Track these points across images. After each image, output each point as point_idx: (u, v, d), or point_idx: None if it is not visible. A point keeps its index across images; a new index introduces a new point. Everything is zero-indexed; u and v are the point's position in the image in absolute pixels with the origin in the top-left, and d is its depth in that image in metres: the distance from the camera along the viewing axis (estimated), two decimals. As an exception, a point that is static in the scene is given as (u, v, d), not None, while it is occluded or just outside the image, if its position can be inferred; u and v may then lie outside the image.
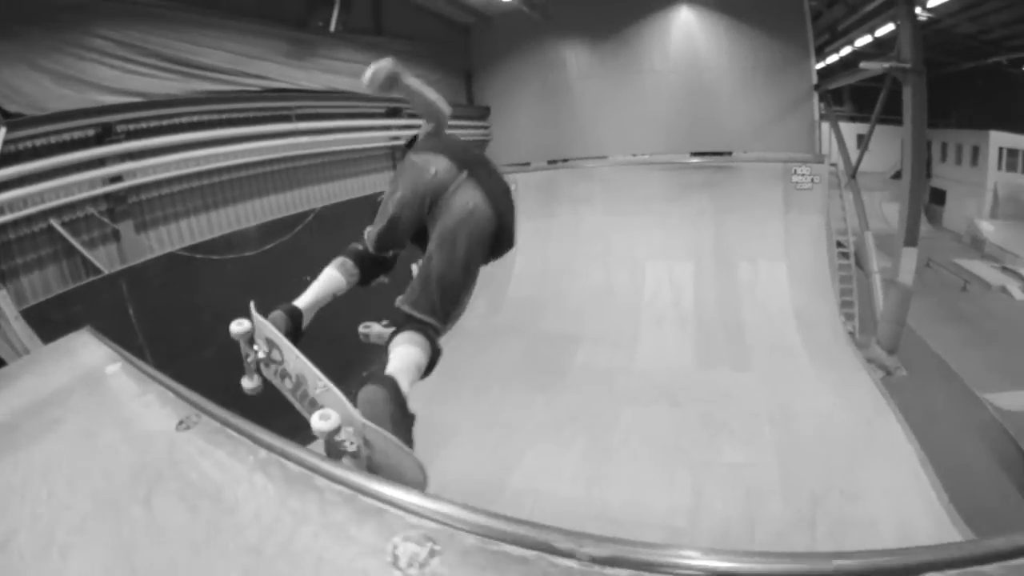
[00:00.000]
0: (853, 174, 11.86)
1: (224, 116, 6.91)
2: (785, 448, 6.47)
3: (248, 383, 2.04)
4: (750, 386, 7.73)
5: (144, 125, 6.02)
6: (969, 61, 19.84)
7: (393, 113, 9.43)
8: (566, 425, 6.78)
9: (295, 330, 2.09)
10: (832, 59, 16.05)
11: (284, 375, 1.96)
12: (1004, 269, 20.84)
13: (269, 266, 6.66)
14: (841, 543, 5.36)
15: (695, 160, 10.65)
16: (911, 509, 5.79)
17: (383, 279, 2.56)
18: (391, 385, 1.82)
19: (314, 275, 2.31)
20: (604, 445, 6.52)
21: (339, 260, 2.38)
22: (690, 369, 8.14)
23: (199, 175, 6.65)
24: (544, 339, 8.56)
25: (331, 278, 2.32)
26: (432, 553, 1.05)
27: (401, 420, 1.80)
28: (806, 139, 11.23)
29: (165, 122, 6.23)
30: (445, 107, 2.45)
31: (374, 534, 1.11)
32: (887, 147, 18.49)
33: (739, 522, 5.53)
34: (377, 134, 9.34)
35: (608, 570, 0.98)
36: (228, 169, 7.03)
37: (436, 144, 2.35)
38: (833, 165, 11.53)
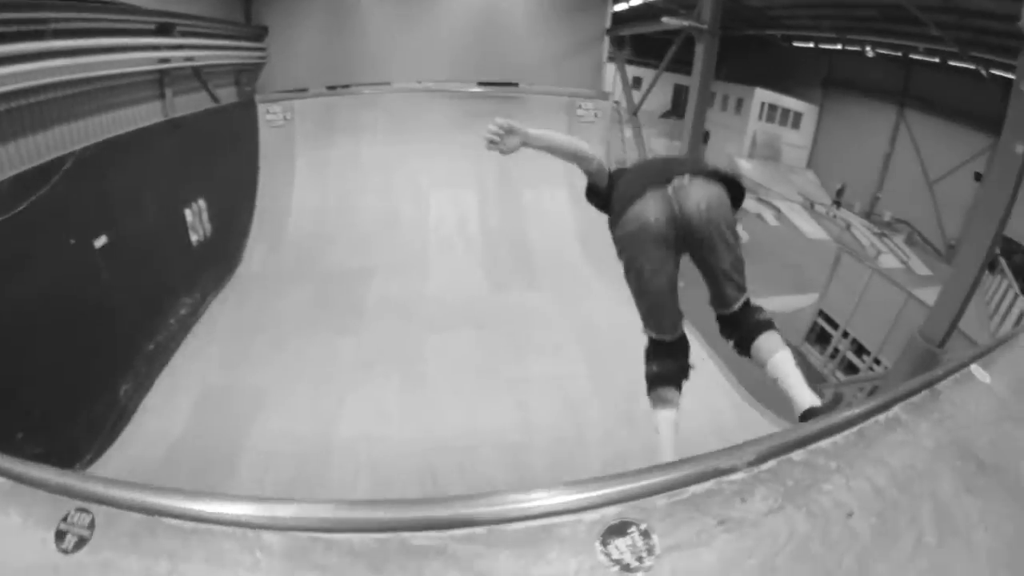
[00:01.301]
0: (635, 112, 12.57)
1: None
2: (592, 356, 7.10)
3: None
4: (546, 304, 8.20)
5: None
6: (750, 29, 24.13)
7: (164, 30, 7.51)
8: (376, 363, 6.55)
9: None
10: (621, 6, 16.74)
11: None
12: (759, 200, 24.81)
13: (28, 232, 5.03)
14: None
15: (482, 90, 10.35)
16: (717, 400, 6.74)
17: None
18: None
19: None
20: (420, 377, 6.46)
21: (655, 400, 2.42)
22: (484, 293, 8.25)
23: None
24: (333, 277, 8.04)
25: (671, 423, 2.37)
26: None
27: None
28: (592, 77, 11.73)
29: None
30: (582, 144, 2.41)
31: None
32: (658, 90, 20.18)
33: (568, 427, 6.09)
34: (145, 55, 7.36)
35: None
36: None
37: (625, 188, 2.26)
38: (616, 102, 12.07)
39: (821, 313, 14.02)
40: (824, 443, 1.37)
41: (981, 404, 1.75)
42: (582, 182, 8.53)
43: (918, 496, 1.31)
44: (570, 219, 10.11)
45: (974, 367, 1.92)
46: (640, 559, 1.06)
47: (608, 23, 11.72)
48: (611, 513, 1.11)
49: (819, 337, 14.17)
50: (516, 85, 10.75)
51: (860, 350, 12.94)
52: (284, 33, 10.10)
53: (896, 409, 1.55)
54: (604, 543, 1.08)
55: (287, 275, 8.01)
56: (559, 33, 11.21)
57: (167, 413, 5.54)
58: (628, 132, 13.02)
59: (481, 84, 10.50)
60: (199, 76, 7.65)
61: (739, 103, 28.06)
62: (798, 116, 29.26)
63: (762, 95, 27.62)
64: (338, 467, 5.19)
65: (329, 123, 9.62)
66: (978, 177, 23.50)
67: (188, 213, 7.14)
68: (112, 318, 5.63)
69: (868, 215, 27.49)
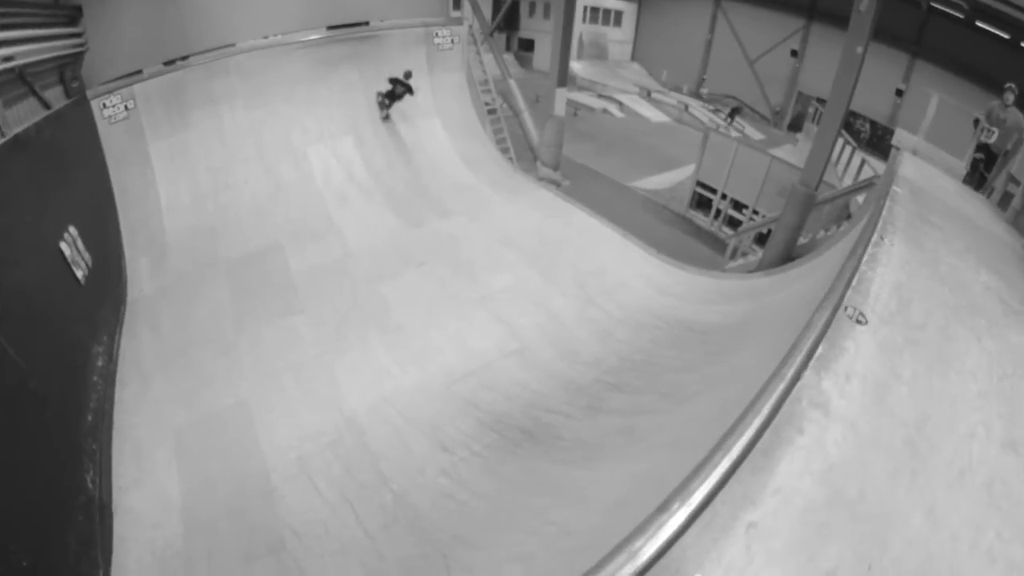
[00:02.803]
0: (491, 32, 12.43)
1: None
2: (531, 262, 7.44)
3: None
4: (464, 226, 8.19)
5: None
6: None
7: None
8: (344, 328, 6.04)
9: None
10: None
11: None
12: (600, 96, 26.15)
13: None
14: (614, 298, 6.87)
15: (334, 33, 9.66)
16: (640, 266, 7.59)
17: None
18: None
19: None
20: (396, 327, 6.11)
21: None
22: (404, 232, 7.94)
23: None
24: (240, 266, 7.13)
25: None
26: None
27: None
28: (440, 4, 11.31)
29: None
30: None
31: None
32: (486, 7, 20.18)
33: (547, 320, 6.41)
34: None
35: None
36: None
37: None
38: (470, 26, 11.88)
39: (699, 183, 15.65)
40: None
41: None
42: (455, 109, 9.75)
43: None
44: (449, 145, 10.19)
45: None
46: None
47: None
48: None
49: (700, 203, 15.88)
50: (367, 24, 10.13)
51: (737, 206, 14.83)
52: (101, 10, 8.33)
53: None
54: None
55: (188, 281, 6.92)
56: None
57: (150, 481, 4.40)
58: (486, 56, 12.94)
59: (331, 28, 9.73)
60: (24, 78, 6.18)
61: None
62: (619, 14, 31.24)
63: None
64: (378, 438, 4.73)
65: (179, 102, 8.30)
66: (794, 54, 27.26)
67: (64, 247, 5.78)
68: (34, 405, 4.19)
69: (698, 95, 30.01)
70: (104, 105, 7.81)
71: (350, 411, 4.95)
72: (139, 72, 8.23)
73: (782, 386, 2.20)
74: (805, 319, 2.86)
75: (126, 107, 7.97)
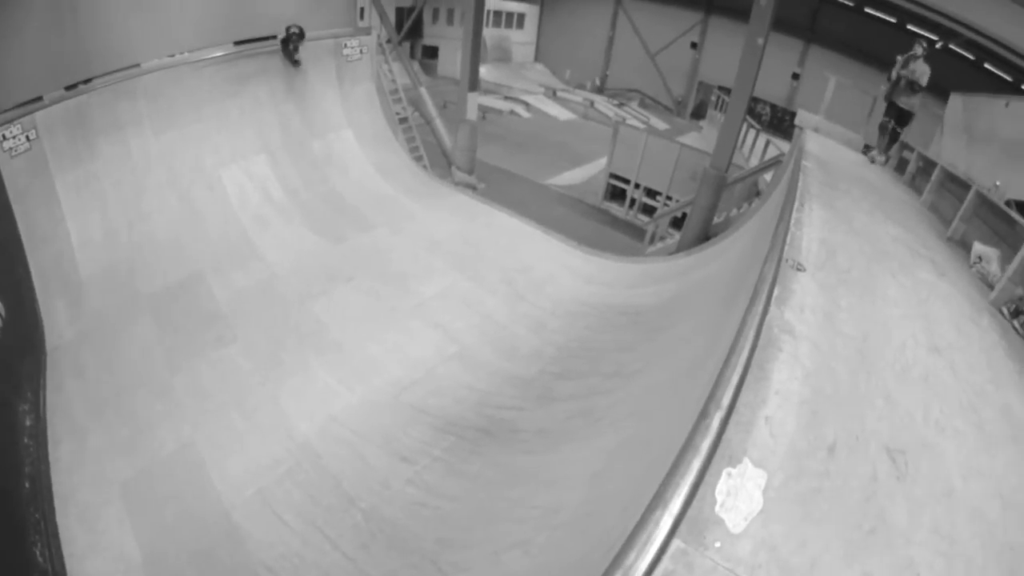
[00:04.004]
0: (400, 41, 12.46)
1: None
2: (458, 266, 7.66)
3: None
4: (387, 238, 8.28)
5: None
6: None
7: None
8: (280, 354, 5.88)
9: None
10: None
11: None
12: (507, 98, 26.61)
13: None
14: (544, 292, 7.28)
15: (241, 49, 9.35)
16: (565, 259, 8.07)
17: None
18: None
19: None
20: (333, 345, 6.05)
21: None
22: (327, 249, 7.88)
23: None
24: (163, 299, 6.75)
25: None
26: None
27: None
28: (348, 15, 11.28)
29: None
30: None
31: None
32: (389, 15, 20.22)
33: (480, 319, 6.66)
34: None
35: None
36: None
37: None
38: (378, 35, 11.87)
39: (612, 175, 16.32)
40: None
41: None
42: (366, 120, 9.77)
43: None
44: (363, 158, 10.13)
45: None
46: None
47: None
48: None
49: (614, 194, 16.56)
50: (275, 38, 9.87)
51: (651, 193, 15.62)
52: (-6, 35, 7.85)
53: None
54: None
55: (110, 322, 6.48)
56: None
57: (104, 544, 4.10)
58: (395, 64, 12.97)
59: (238, 43, 9.36)
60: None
61: (461, 13, 30.34)
62: (521, 16, 31.99)
63: (487, 3, 29.32)
64: (335, 458, 4.69)
65: (84, 129, 7.72)
66: (694, 46, 28.82)
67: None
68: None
69: (601, 90, 31.10)
70: (3, 137, 7.24)
71: (302, 436, 4.89)
72: (39, 99, 7.72)
73: (757, 318, 2.82)
74: (736, 286, 3.51)
75: (27, 137, 7.40)
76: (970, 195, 6.10)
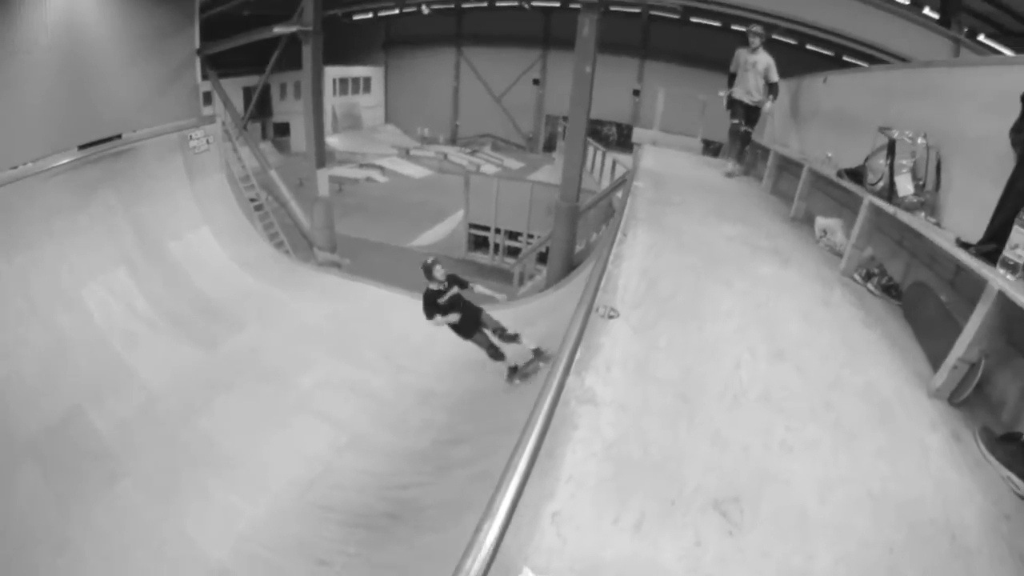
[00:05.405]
0: (245, 126, 12.48)
1: None
2: (335, 351, 7.78)
3: None
4: (260, 335, 8.27)
5: None
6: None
7: None
8: (175, 482, 5.72)
9: None
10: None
11: None
12: (361, 166, 27.01)
13: None
14: (424, 358, 7.57)
15: (86, 153, 8.86)
16: None
17: None
18: None
19: None
20: (223, 462, 5.98)
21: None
22: (201, 357, 7.66)
23: None
24: (45, 441, 6.13)
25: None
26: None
27: None
28: (191, 104, 11.12)
29: None
30: None
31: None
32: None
33: (361, 399, 6.85)
34: None
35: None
36: None
37: None
38: (223, 123, 11.82)
39: (471, 225, 17.06)
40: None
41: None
42: (222, 214, 10.13)
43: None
44: (224, 254, 9.94)
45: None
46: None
47: (198, 43, 11.13)
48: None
49: (477, 243, 17.32)
50: (119, 137, 9.49)
51: (512, 235, 16.42)
52: None
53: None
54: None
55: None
56: (151, 65, 10.27)
57: None
58: (243, 149, 12.89)
59: (83, 147, 8.90)
60: None
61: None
62: (367, 80, 32.45)
63: (332, 72, 29.49)
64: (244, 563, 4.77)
65: None
66: (536, 82, 30.64)
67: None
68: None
69: (454, 141, 32.31)
70: None
71: (216, 562, 4.87)
72: None
73: (551, 395, 2.45)
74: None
75: None
76: (804, 173, 6.31)
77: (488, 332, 5.97)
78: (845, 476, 2.36)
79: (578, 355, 2.87)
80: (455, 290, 5.85)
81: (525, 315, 7.75)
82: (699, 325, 3.46)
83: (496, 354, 6.05)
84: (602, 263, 4.05)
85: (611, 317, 3.33)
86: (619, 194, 11.15)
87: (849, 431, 2.64)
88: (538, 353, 5.92)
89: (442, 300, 5.75)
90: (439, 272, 5.76)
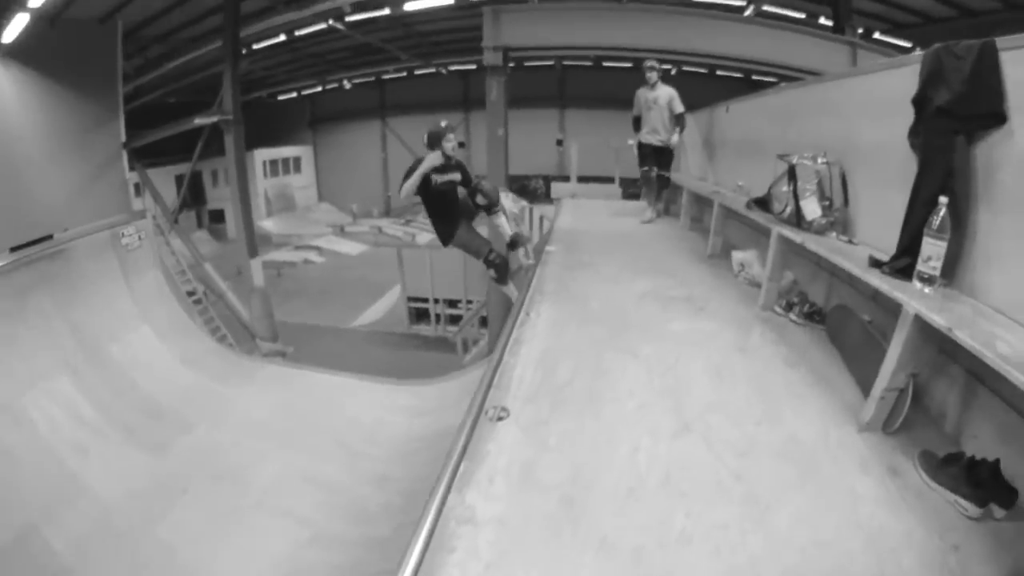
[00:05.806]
0: (176, 219, 12.55)
1: None
2: (287, 442, 7.72)
3: None
4: (210, 433, 8.15)
5: None
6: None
7: None
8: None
9: None
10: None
11: None
12: (298, 248, 27.08)
13: None
14: (377, 441, 7.57)
15: (20, 256, 8.66)
16: (387, 399, 8.54)
17: None
18: None
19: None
20: (188, 570, 5.90)
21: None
22: (153, 463, 7.54)
23: None
24: (2, 564, 5.94)
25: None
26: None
27: None
28: (121, 199, 11.15)
29: None
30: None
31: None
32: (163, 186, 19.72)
33: (328, 494, 6.79)
34: None
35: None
36: None
37: None
38: (154, 216, 11.83)
39: (410, 298, 17.24)
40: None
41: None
42: (161, 311, 10.11)
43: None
44: (167, 353, 9.80)
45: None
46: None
47: (123, 136, 11.22)
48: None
49: (419, 315, 17.46)
50: (51, 237, 9.30)
51: (452, 303, 16.69)
52: None
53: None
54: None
55: None
56: (78, 161, 10.25)
57: None
58: (176, 241, 12.89)
59: (14, 250, 8.71)
60: None
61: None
62: (297, 160, 32.74)
63: (262, 154, 29.76)
64: None
65: None
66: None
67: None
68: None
69: (388, 213, 32.77)
70: None
71: None
72: None
73: (430, 517, 2.32)
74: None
75: None
76: (715, 209, 6.21)
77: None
78: (756, 557, 2.14)
79: (461, 468, 2.68)
80: (457, 177, 4.97)
81: (469, 385, 7.53)
82: (596, 411, 3.20)
83: (496, 266, 5.32)
84: (499, 353, 3.84)
85: (500, 419, 3.07)
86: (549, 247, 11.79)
87: (762, 502, 2.42)
88: (514, 243, 5.40)
89: (440, 180, 4.82)
90: (450, 145, 4.74)
